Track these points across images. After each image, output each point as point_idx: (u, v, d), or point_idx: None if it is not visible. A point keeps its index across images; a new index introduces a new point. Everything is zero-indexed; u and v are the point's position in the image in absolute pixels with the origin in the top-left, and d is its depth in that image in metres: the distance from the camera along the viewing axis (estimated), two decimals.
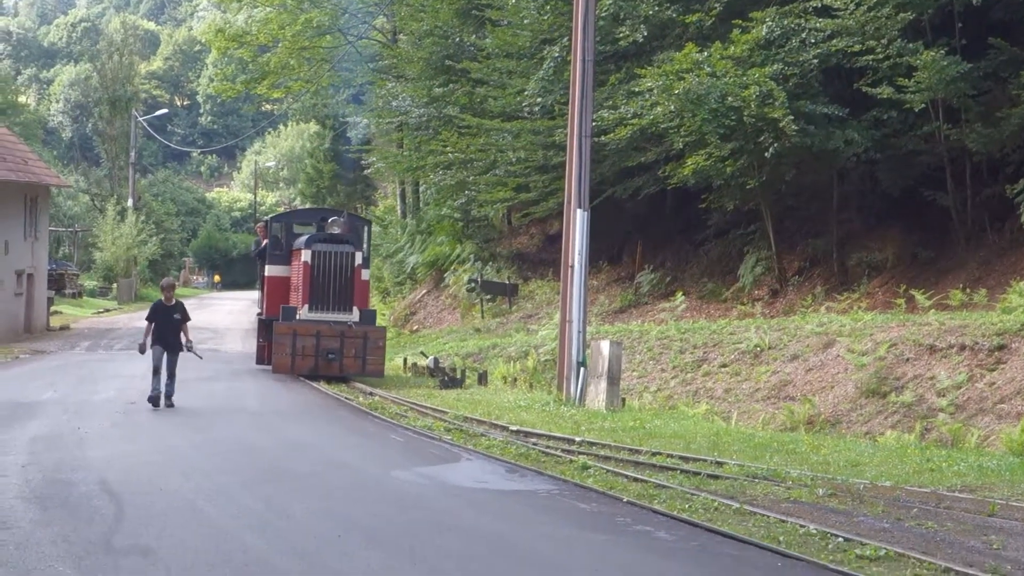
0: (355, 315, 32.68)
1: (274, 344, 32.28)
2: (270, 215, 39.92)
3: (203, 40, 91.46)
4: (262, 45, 65.01)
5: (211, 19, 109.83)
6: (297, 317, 32.25)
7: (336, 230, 33.29)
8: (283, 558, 11.09)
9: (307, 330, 31.70)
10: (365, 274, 34.85)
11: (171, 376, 24.07)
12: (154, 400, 23.71)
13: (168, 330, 24.17)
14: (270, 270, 36.17)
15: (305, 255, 32.72)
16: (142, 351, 24.65)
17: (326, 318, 32.21)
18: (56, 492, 14.07)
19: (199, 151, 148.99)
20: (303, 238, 34.37)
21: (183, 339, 24.33)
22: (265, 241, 37.14)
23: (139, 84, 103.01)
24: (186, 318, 24.54)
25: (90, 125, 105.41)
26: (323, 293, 32.52)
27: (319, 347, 31.58)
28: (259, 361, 36.73)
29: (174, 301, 24.50)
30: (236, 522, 12.67)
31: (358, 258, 33.31)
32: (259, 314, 38.34)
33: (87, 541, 11.46)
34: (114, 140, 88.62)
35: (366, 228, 37.40)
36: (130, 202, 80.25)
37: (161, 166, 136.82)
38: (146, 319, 24.60)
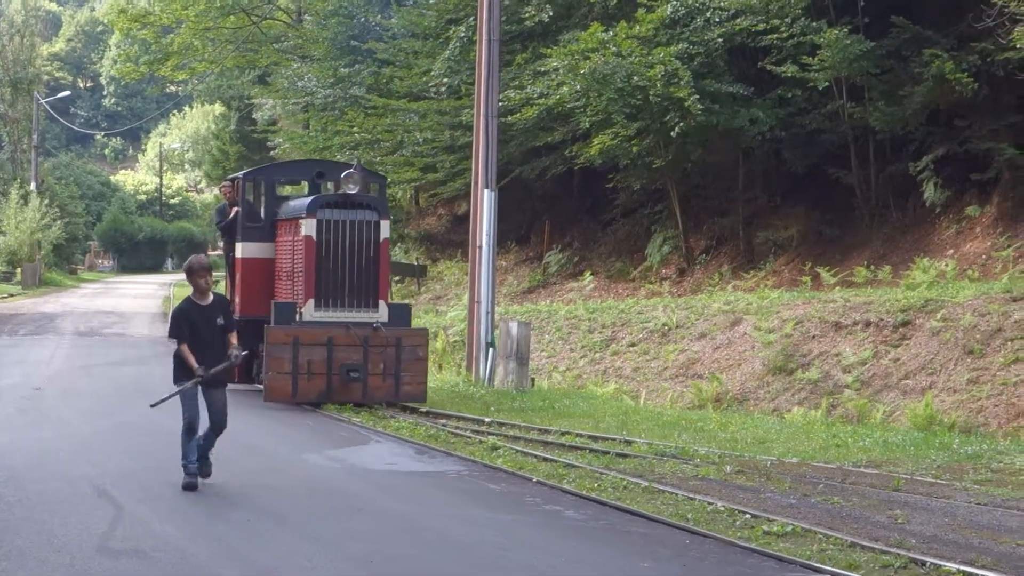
0: (382, 313, 22.87)
1: (267, 358, 22.34)
2: (243, 170, 28.57)
3: (106, 20, 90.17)
4: (165, 26, 64.35)
5: None
6: (299, 318, 22.70)
7: (352, 188, 22.94)
8: (192, 543, 11.00)
9: (314, 336, 22.17)
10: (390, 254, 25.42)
11: (218, 427, 13.82)
12: (191, 485, 13.59)
13: (207, 347, 13.65)
14: (244, 249, 25.42)
15: (307, 226, 22.78)
16: (177, 381, 13.76)
17: (341, 318, 22.61)
18: None
19: (103, 133, 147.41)
20: (299, 202, 24.69)
21: (231, 351, 13.75)
22: (235, 209, 25.92)
23: (41, 66, 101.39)
24: (232, 323, 14.11)
25: None
26: (336, 282, 22.79)
27: (332, 361, 22.16)
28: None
29: (212, 297, 13.86)
30: (144, 508, 12.55)
31: (384, 229, 23.28)
32: None
33: None
34: (16, 123, 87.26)
35: (382, 189, 26.67)
36: (33, 186, 79.14)
37: (65, 149, 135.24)
38: (173, 336, 13.81)
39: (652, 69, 32.46)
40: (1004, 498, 13.72)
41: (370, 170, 27.55)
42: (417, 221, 57.03)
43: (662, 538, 11.68)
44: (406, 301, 43.32)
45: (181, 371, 13.61)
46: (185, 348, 13.51)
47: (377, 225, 23.04)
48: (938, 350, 23.45)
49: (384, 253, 23.37)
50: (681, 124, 33.07)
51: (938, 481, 14.72)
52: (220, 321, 13.76)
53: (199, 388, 13.58)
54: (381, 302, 22.94)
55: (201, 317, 13.64)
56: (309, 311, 22.58)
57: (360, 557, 10.66)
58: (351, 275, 22.79)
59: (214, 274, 15.13)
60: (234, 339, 13.93)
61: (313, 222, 22.70)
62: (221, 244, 29.35)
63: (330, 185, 24.99)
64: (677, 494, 13.62)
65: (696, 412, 23.36)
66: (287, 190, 28.37)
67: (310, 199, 23.78)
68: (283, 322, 22.48)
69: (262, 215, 25.62)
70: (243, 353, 14.29)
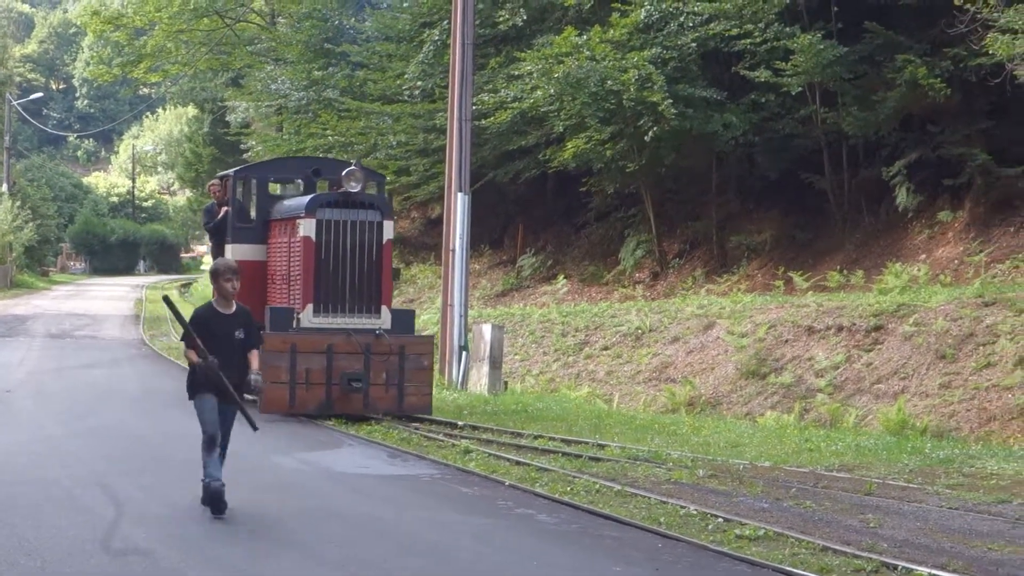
0: (385, 319, 21.48)
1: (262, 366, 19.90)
2: (233, 168, 26.54)
3: (78, 22, 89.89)
4: (139, 28, 64.13)
5: (86, 1, 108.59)
6: (296, 324, 21.30)
7: (354, 187, 21.37)
8: (164, 547, 10.93)
9: (313, 344, 20.77)
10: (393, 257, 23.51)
11: (222, 446, 12.59)
12: (217, 499, 12.25)
13: (223, 360, 12.09)
14: (235, 251, 23.40)
15: (305, 227, 21.33)
16: (192, 393, 12.39)
17: (342, 324, 21.24)
18: None
19: (76, 135, 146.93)
20: (296, 201, 22.95)
21: (250, 376, 12.42)
22: (225, 209, 24.17)
23: (13, 67, 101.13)
24: (256, 340, 12.71)
25: None
26: (336, 286, 21.34)
27: (332, 370, 20.76)
28: None
29: (235, 306, 12.47)
30: (116, 511, 12.47)
31: (388, 230, 21.76)
32: None
33: None
34: None
35: (380, 187, 24.71)
36: (4, 187, 78.89)
37: (37, 151, 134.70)
38: (183, 339, 13.06)
39: (626, 73, 32.49)
40: (975, 502, 13.75)
41: (370, 169, 25.81)
42: None
43: (634, 542, 11.66)
44: None
45: (196, 384, 12.33)
46: (193, 350, 12.17)
47: (380, 226, 21.61)
48: (910, 355, 23.52)
49: (387, 255, 21.84)
50: (655, 128, 33.12)
51: (910, 485, 14.74)
52: (239, 334, 12.33)
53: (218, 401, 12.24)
54: (384, 307, 21.55)
55: (220, 326, 12.27)
56: (307, 317, 21.25)
57: (335, 561, 10.61)
58: (352, 279, 21.41)
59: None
60: (255, 362, 12.47)
61: (312, 222, 21.30)
62: (209, 246, 28.16)
63: (321, 183, 24.21)
64: (650, 498, 13.61)
65: (669, 416, 23.39)
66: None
67: (308, 197, 22.28)
68: (280, 328, 21.05)
69: (253, 215, 24.20)
70: (264, 385, 13.16)
